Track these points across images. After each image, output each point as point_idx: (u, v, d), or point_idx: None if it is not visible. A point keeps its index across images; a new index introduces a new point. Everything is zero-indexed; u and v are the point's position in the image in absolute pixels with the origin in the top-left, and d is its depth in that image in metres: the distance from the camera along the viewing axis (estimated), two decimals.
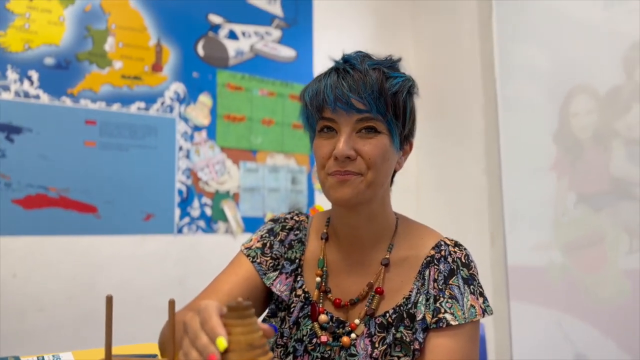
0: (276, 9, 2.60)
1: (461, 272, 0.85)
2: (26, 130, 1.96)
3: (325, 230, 0.95)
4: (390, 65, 0.86)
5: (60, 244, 2.00)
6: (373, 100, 0.80)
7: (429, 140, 2.88)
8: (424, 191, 2.88)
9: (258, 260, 0.93)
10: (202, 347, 0.52)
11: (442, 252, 0.86)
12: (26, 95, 1.98)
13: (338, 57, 0.87)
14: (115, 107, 2.14)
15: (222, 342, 0.51)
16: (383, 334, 0.83)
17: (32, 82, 1.99)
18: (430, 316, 0.82)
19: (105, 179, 2.10)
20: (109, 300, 0.58)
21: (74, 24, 2.09)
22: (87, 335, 1.97)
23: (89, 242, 2.05)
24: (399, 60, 0.88)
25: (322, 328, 0.87)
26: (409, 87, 0.85)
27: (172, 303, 0.57)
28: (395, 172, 0.91)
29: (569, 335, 2.17)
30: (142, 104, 2.20)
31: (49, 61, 2.03)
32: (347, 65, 0.83)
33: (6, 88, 1.94)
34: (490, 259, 2.48)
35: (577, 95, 2.21)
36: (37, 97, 1.99)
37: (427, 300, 0.83)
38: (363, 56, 0.85)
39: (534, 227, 2.35)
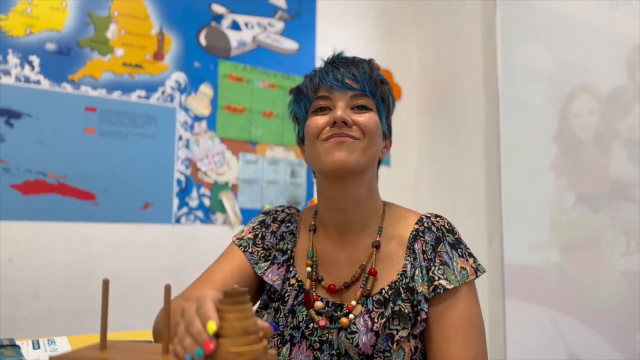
0: (279, 1, 2.59)
1: (447, 238, 0.89)
2: (26, 115, 1.95)
3: (313, 222, 0.97)
4: (373, 63, 0.96)
5: (58, 231, 1.99)
6: (365, 81, 0.89)
7: (429, 137, 2.88)
8: (422, 188, 2.87)
9: (250, 250, 0.95)
10: (197, 333, 0.52)
11: (425, 224, 0.90)
12: (27, 80, 1.97)
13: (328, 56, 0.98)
14: (116, 94, 2.14)
15: (212, 325, 0.51)
16: (381, 310, 0.85)
17: (32, 67, 1.98)
18: (427, 287, 0.84)
19: (104, 166, 2.09)
20: (106, 283, 0.58)
21: (77, 10, 2.08)
22: (82, 322, 1.97)
23: (86, 229, 2.05)
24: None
25: (319, 314, 0.89)
26: (389, 85, 0.95)
27: (168, 288, 0.56)
28: (379, 161, 0.96)
29: (563, 335, 2.18)
30: (143, 93, 2.19)
31: (50, 47, 2.02)
32: (337, 58, 0.93)
33: (7, 73, 1.93)
34: (487, 257, 2.48)
35: (579, 96, 2.21)
36: (38, 82, 1.99)
37: (421, 272, 0.86)
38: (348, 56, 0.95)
39: (532, 226, 2.36)
